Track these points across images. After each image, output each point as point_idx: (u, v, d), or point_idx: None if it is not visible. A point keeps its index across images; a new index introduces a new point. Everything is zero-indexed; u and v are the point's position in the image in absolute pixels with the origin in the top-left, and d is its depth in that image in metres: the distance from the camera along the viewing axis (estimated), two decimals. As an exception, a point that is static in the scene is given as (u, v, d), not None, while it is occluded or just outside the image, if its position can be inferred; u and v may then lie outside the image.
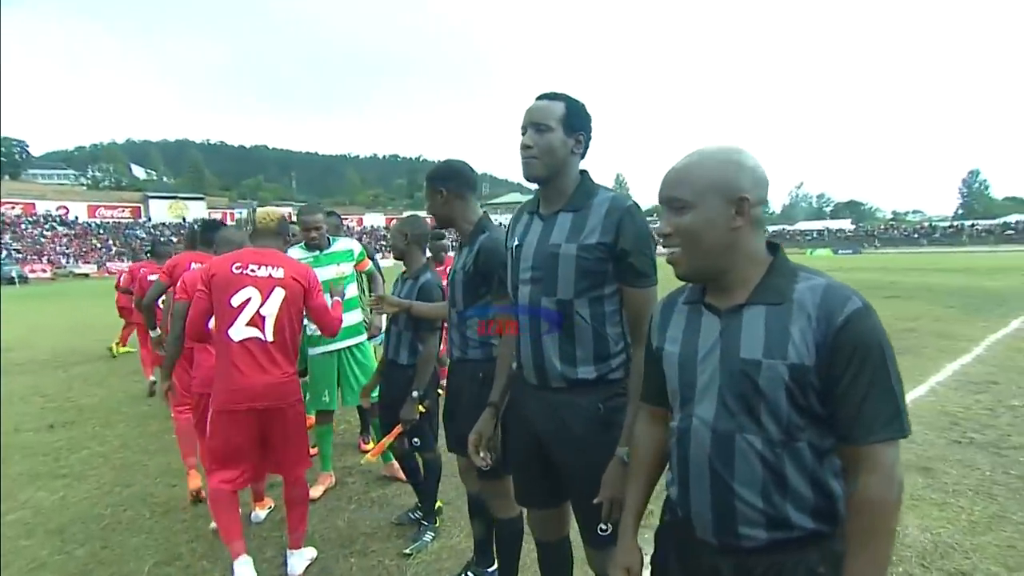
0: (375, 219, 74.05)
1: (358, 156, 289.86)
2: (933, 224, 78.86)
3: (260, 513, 3.25)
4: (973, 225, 72.12)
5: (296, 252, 3.53)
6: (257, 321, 2.45)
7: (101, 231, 56.75)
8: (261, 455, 2.57)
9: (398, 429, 2.81)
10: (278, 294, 2.50)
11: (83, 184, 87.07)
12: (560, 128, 1.58)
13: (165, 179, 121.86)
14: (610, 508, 1.52)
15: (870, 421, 0.97)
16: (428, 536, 2.93)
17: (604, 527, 1.61)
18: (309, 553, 2.75)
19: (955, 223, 78.73)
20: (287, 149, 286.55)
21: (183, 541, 2.98)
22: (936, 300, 11.94)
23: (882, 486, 0.96)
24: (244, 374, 2.41)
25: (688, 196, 1.07)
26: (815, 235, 77.71)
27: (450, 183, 2.19)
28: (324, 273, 3.46)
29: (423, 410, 2.77)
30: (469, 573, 2.54)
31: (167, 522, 3.21)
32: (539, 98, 1.64)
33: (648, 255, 1.54)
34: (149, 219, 63.57)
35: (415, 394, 2.73)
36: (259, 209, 2.89)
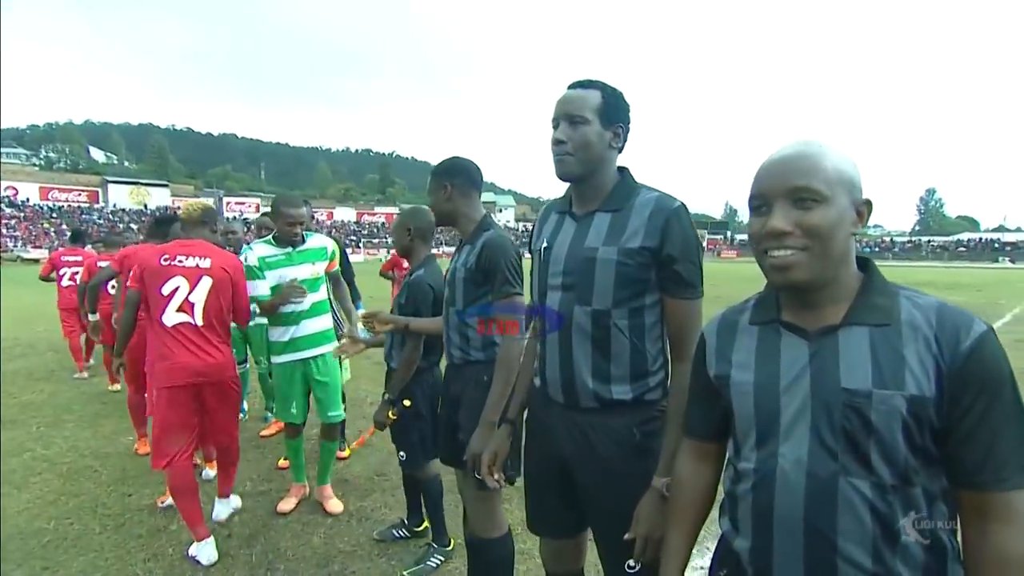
0: (346, 213, 72.56)
1: (330, 149, 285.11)
2: (893, 239, 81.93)
3: (211, 472, 3.53)
4: (929, 241, 75.28)
5: (263, 248, 3.09)
6: (186, 307, 2.72)
7: (54, 215, 53.90)
8: (200, 423, 2.84)
9: (371, 430, 3.09)
10: (205, 282, 2.75)
11: (35, 164, 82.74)
12: (597, 120, 1.40)
13: (126, 163, 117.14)
14: (644, 546, 1.35)
15: (1004, 465, 0.82)
16: (435, 560, 2.68)
17: (632, 565, 1.43)
18: (234, 502, 3.18)
19: (913, 239, 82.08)
20: (256, 139, 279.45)
21: (139, 561, 2.68)
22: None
23: (1022, 540, 0.81)
24: (179, 355, 2.68)
25: (823, 189, 0.89)
26: (780, 245, 79.84)
27: (456, 179, 2.07)
28: (298, 272, 3.09)
29: (394, 417, 2.55)
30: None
31: (119, 538, 2.89)
32: (572, 86, 1.45)
33: (696, 263, 1.37)
34: (108, 204, 60.81)
35: (387, 396, 2.56)
36: (184, 201, 3.55)
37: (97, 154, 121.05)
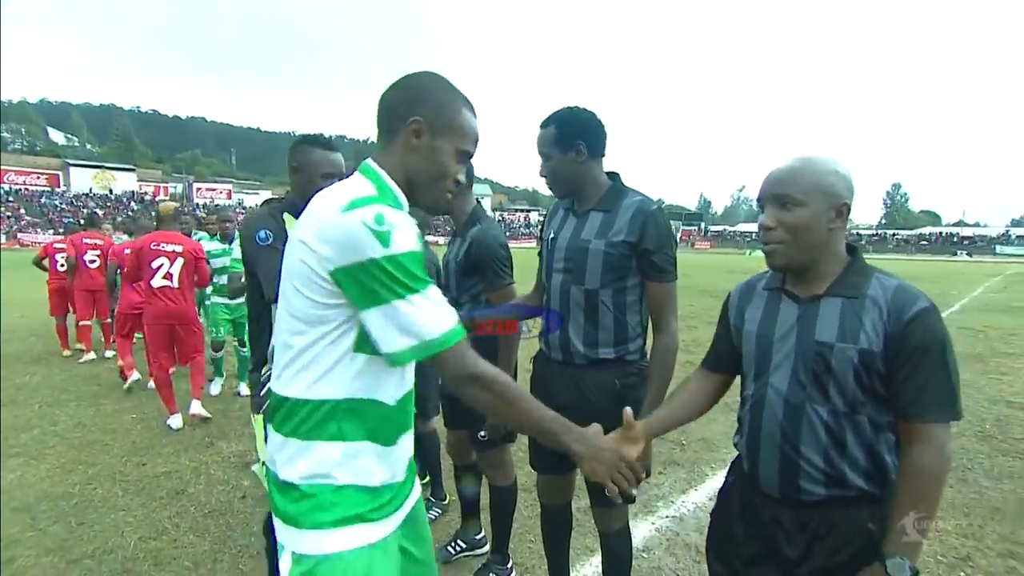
0: (322, 201, 71.20)
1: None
2: (859, 232, 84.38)
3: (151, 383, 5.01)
4: (895, 235, 78.16)
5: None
6: (168, 276, 4.38)
7: (10, 199, 51.71)
8: (174, 348, 4.57)
9: None
10: (179, 261, 4.42)
11: (-11, 145, 79.16)
12: (556, 150, 1.73)
13: (88, 146, 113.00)
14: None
15: (927, 403, 1.13)
16: (433, 513, 2.99)
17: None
18: (202, 409, 4.50)
19: (879, 232, 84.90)
20: (226, 123, 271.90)
21: (165, 517, 2.95)
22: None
23: (933, 458, 1.12)
24: (159, 306, 4.38)
25: (799, 195, 1.19)
26: (753, 236, 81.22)
27: None
28: None
29: None
30: (458, 541, 2.68)
31: (143, 499, 3.15)
32: (540, 126, 1.77)
33: (669, 254, 1.73)
34: (71, 188, 58.67)
35: None
36: (161, 203, 4.92)
37: (56, 136, 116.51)
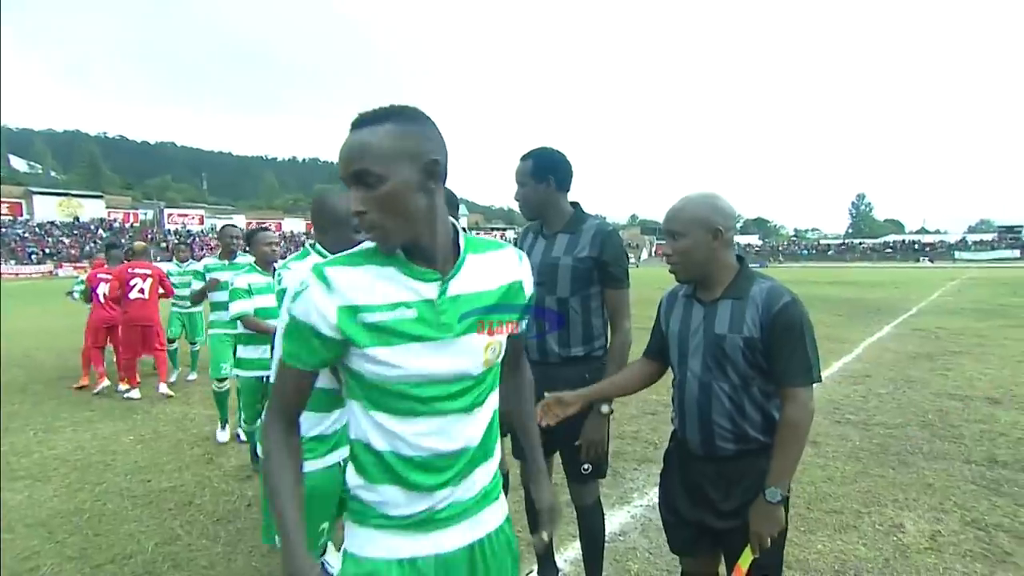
0: (295, 224, 70.65)
1: (276, 158, 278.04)
2: (828, 242, 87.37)
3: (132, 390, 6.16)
4: (860, 243, 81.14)
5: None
6: (141, 291, 6.10)
7: (-29, 229, 50.02)
8: (141, 343, 6.23)
9: None
10: (149, 281, 6.17)
11: (-54, 175, 76.83)
12: (531, 181, 2.11)
13: (53, 173, 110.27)
14: (587, 450, 2.04)
15: (792, 372, 1.53)
16: None
17: (585, 467, 2.12)
18: (167, 389, 6.24)
19: (846, 241, 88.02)
20: (197, 148, 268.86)
21: (177, 525, 3.15)
22: (829, 309, 13.58)
23: (798, 413, 1.52)
24: (134, 311, 6.09)
25: (680, 228, 1.61)
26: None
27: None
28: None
29: None
30: None
31: (153, 511, 3.34)
32: (521, 159, 2.14)
33: (623, 266, 2.10)
34: (35, 217, 57.15)
35: None
36: (135, 243, 6.83)
37: (18, 163, 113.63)
